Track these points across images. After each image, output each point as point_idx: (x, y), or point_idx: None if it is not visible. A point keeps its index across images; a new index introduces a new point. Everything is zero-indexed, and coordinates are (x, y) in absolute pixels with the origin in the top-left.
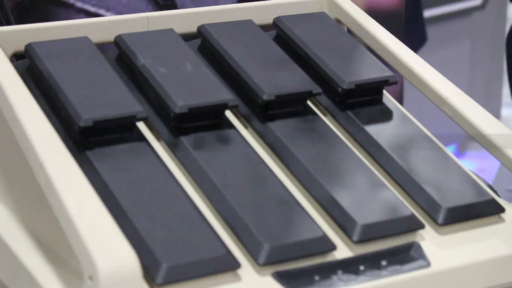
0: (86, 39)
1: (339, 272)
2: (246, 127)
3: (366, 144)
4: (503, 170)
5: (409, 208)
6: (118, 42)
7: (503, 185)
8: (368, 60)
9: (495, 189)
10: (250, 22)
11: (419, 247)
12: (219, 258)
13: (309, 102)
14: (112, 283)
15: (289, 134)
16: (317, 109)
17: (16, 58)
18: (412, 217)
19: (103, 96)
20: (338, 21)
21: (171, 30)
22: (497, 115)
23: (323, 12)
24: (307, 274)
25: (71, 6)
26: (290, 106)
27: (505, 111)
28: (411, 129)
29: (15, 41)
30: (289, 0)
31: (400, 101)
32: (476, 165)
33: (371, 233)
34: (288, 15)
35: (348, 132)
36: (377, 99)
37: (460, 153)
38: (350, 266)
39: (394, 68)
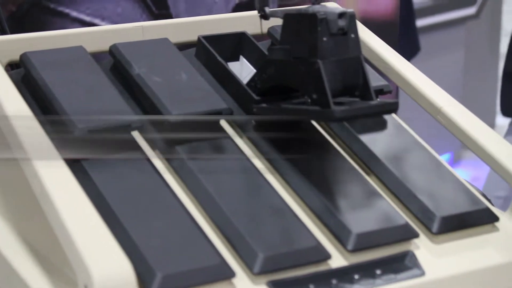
0: (81, 48)
1: (334, 281)
2: (240, 136)
3: (361, 153)
4: (492, 177)
5: (403, 217)
6: (113, 51)
7: (492, 192)
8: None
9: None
10: (165, 40)
11: (413, 256)
12: (214, 267)
13: None
14: None
15: (284, 143)
16: None
17: (11, 68)
18: (406, 226)
19: (98, 106)
20: None
21: (166, 39)
22: (491, 123)
23: None
24: (302, 283)
25: (66, 15)
26: None
27: (499, 120)
28: (405, 138)
29: (10, 51)
30: None
31: None
32: (471, 174)
33: (365, 242)
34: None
35: (342, 141)
36: None
37: (455, 161)
38: (345, 275)
39: (388, 77)
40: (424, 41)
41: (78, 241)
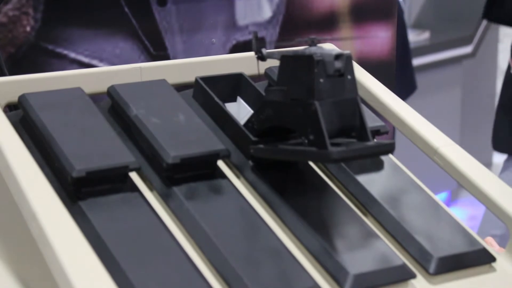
0: (79, 89)
1: None
2: (238, 177)
3: (358, 194)
4: (489, 215)
5: (400, 257)
6: (111, 92)
7: (489, 230)
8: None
9: (481, 233)
10: (163, 81)
11: None
12: None
13: None
14: None
15: (281, 184)
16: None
17: (10, 109)
18: (403, 266)
19: (96, 147)
20: None
21: (164, 80)
22: (488, 162)
23: None
24: None
25: (64, 57)
26: None
27: (496, 158)
28: (402, 178)
29: (9, 92)
30: None
31: None
32: (468, 212)
33: (363, 283)
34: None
35: (340, 182)
36: None
37: (452, 199)
38: None
39: (385, 118)
40: (421, 79)
41: (75, 283)
